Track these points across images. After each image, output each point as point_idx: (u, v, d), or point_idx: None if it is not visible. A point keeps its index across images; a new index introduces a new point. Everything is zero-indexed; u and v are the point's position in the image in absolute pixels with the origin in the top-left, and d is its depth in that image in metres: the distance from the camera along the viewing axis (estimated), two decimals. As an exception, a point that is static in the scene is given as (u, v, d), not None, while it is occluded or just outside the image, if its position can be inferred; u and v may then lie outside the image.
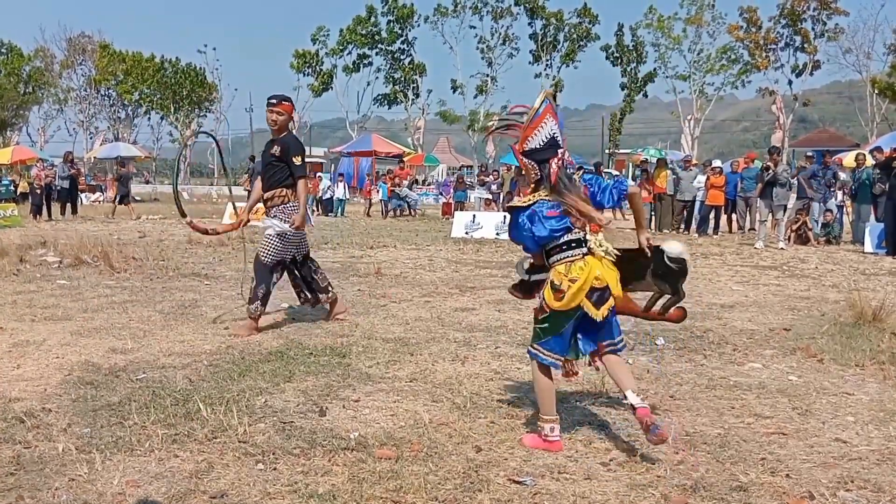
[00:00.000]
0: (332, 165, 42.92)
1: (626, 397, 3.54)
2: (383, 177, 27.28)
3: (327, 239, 14.90)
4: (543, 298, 3.59)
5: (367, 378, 4.77)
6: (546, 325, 3.59)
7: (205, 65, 61.77)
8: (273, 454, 3.43)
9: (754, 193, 15.71)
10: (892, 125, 43.57)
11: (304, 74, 57.25)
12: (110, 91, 60.15)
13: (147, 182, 55.20)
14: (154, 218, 21.48)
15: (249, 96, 70.41)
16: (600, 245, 3.57)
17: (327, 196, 25.71)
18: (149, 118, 64.07)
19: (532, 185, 3.66)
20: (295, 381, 4.67)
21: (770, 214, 14.88)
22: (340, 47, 56.07)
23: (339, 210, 25.14)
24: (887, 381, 4.85)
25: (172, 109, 58.76)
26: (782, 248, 14.07)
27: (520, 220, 3.61)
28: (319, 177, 27.05)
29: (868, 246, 13.90)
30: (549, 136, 3.57)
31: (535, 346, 3.63)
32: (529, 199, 3.60)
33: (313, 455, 3.43)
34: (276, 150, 6.17)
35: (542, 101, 3.61)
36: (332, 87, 57.53)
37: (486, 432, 3.79)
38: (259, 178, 6.51)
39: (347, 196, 26.75)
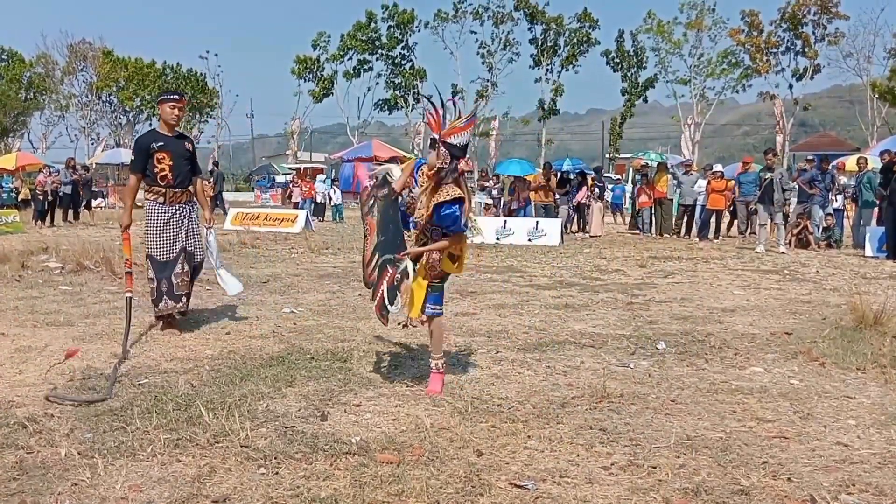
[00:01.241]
0: (333, 171, 43.01)
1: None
2: None
3: (328, 244, 14.93)
4: (441, 266, 4.49)
5: (369, 383, 4.78)
6: (441, 288, 4.59)
7: (206, 70, 62.02)
8: (275, 459, 3.43)
9: (753, 198, 15.72)
10: (892, 129, 43.62)
11: (305, 80, 57.47)
12: (112, 97, 60.31)
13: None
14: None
15: (250, 102, 70.79)
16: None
17: (320, 200, 25.80)
18: (150, 124, 64.22)
19: (434, 170, 4.39)
20: (296, 385, 4.68)
21: (770, 218, 14.90)
22: (341, 53, 56.25)
23: (339, 215, 25.12)
24: (889, 385, 4.85)
25: (174, 115, 58.78)
26: (783, 252, 14.08)
27: (462, 209, 4.37)
28: (319, 179, 27.08)
29: (869, 250, 13.91)
30: (466, 142, 4.46)
31: (438, 306, 4.58)
32: (460, 193, 4.32)
33: (315, 460, 3.44)
34: (189, 146, 6.47)
35: (474, 114, 4.49)
36: (332, 93, 57.72)
37: (487, 436, 3.79)
38: (137, 177, 6.27)
39: (341, 201, 26.71)
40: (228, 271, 6.84)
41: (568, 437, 3.80)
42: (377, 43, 55.56)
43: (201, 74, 61.19)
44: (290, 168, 45.00)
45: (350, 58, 56.47)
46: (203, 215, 6.64)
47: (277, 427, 3.88)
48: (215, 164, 32.55)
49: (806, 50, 46.82)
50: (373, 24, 55.35)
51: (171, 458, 3.45)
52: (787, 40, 47.43)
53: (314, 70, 57.05)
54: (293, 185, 27.92)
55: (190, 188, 6.42)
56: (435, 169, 4.37)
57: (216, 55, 62.54)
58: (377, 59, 56.30)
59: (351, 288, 9.00)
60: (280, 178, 43.31)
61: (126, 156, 40.66)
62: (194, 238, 6.33)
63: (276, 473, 3.29)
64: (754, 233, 15.35)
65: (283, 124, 60.51)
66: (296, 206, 25.51)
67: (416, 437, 3.76)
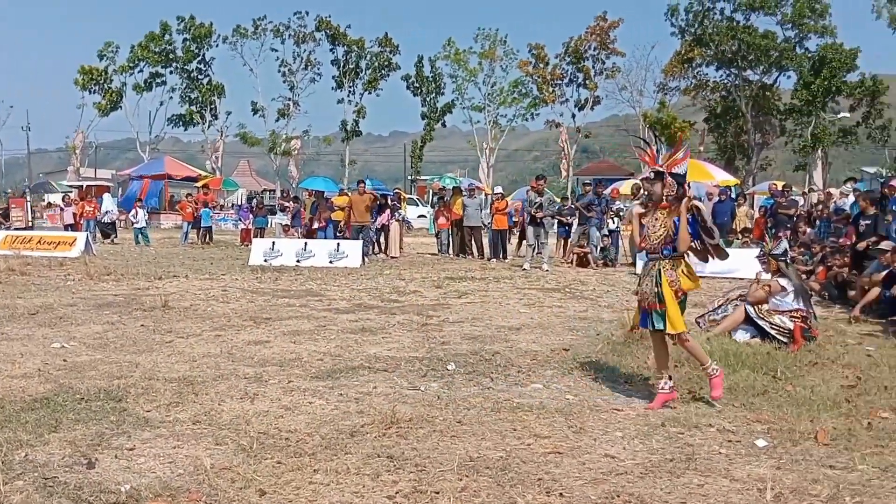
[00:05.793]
0: (120, 188, 40.41)
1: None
2: (191, 200, 25.45)
3: (110, 269, 13.85)
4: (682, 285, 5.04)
5: (146, 423, 4.48)
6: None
7: (-28, 79, 56.13)
8: (30, 516, 3.11)
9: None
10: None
11: (91, 92, 53.57)
12: None
13: None
14: None
15: (27, 114, 64.83)
16: None
17: (107, 220, 24.07)
18: None
19: (663, 199, 4.99)
20: (62, 430, 4.29)
21: (536, 239, 15.91)
22: (131, 64, 53.06)
23: (144, 239, 23.08)
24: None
25: (-68, 126, 52.73)
26: (547, 270, 15.12)
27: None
28: (106, 197, 25.22)
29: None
30: (685, 171, 5.02)
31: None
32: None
33: (77, 513, 3.16)
34: None
35: (688, 147, 5.17)
36: (121, 106, 54.22)
37: (271, 473, 3.68)
38: None
39: (148, 223, 24.95)
40: None
41: (355, 467, 3.77)
42: (171, 56, 53.01)
43: (-34, 82, 55.33)
44: (70, 186, 41.67)
45: (141, 70, 53.43)
46: None
47: (36, 479, 3.53)
48: None
49: (587, 82, 50.52)
50: (167, 36, 52.75)
51: None
52: (571, 73, 50.96)
53: (100, 82, 53.33)
54: (65, 205, 25.56)
55: None
56: (664, 198, 4.97)
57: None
58: (171, 73, 53.70)
59: (132, 318, 8.43)
60: (55, 198, 39.96)
61: None
62: None
63: (30, 533, 2.98)
64: (540, 253, 16.16)
65: (65, 138, 56.04)
66: (67, 227, 23.45)
67: (193, 479, 3.56)
